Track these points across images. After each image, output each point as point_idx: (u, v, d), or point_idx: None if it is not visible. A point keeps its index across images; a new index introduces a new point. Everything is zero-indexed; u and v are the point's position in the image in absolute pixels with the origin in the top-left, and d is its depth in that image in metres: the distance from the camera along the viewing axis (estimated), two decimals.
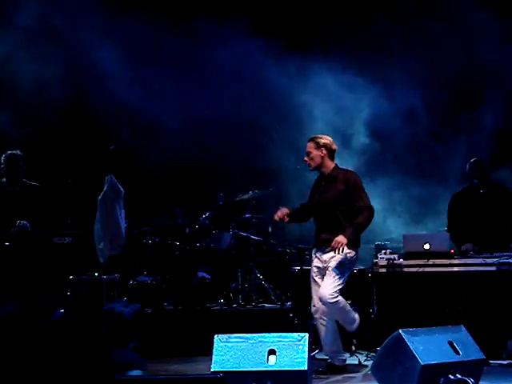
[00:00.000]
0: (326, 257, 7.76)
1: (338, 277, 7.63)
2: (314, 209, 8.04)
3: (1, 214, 8.90)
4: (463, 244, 9.02)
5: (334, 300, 7.56)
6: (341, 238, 7.56)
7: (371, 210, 7.79)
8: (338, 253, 7.54)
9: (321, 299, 7.64)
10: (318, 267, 7.85)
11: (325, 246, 7.77)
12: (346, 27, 10.77)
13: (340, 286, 7.64)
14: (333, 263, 7.66)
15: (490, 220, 9.11)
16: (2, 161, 9.08)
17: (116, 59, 10.45)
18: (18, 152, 9.13)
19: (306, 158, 7.97)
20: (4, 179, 9.12)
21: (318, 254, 7.86)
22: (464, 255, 8.78)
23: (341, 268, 7.65)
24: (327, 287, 7.63)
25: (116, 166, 10.34)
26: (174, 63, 10.90)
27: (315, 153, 7.91)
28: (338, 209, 7.80)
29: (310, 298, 7.93)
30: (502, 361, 8.15)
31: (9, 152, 9.12)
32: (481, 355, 6.65)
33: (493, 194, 9.17)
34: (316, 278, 7.83)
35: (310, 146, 7.95)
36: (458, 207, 9.32)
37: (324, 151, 7.90)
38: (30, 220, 8.81)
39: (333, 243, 7.57)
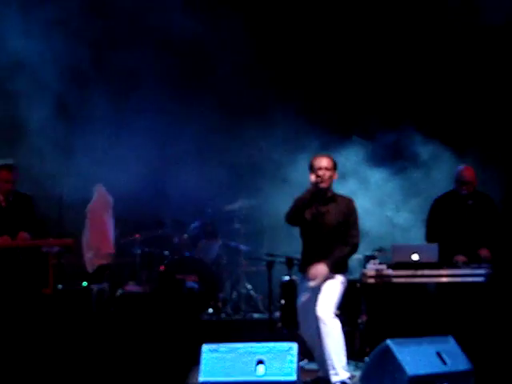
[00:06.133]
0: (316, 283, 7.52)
1: (333, 298, 7.46)
2: (308, 232, 7.69)
3: None
4: (452, 255, 8.97)
5: (334, 318, 7.37)
6: (322, 270, 7.40)
7: (357, 247, 7.63)
8: (315, 282, 7.42)
9: (319, 319, 7.36)
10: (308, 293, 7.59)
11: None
12: None
13: (336, 306, 7.47)
14: (326, 286, 7.54)
15: (476, 231, 9.06)
16: None
17: None
18: (11, 163, 9.09)
19: (322, 173, 7.51)
20: None
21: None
22: (452, 266, 8.78)
23: (335, 290, 7.52)
24: (324, 307, 7.38)
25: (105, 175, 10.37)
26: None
27: (332, 173, 7.59)
28: (336, 233, 7.56)
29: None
30: None
31: (1, 162, 9.10)
32: (469, 366, 6.67)
33: (479, 204, 9.09)
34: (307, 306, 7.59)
35: (329, 163, 7.58)
36: (440, 215, 9.15)
37: (336, 175, 7.68)
38: (22, 229, 8.77)
39: (313, 271, 7.41)
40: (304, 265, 7.75)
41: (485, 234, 9.03)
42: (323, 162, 7.60)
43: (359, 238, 7.65)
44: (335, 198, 7.68)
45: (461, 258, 8.84)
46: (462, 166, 9.15)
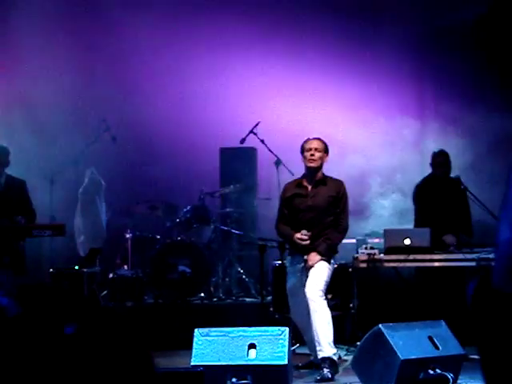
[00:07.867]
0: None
1: (322, 277, 7.52)
2: (297, 213, 7.72)
3: None
4: (441, 236, 8.93)
5: (321, 297, 7.43)
6: (314, 257, 7.48)
7: (346, 231, 7.73)
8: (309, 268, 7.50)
9: (309, 298, 7.41)
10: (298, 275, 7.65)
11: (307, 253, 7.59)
12: None
13: (325, 287, 7.50)
14: (315, 268, 7.54)
15: (462, 213, 9.08)
16: None
17: None
18: (4, 145, 9.01)
19: (313, 153, 7.62)
20: None
21: (299, 261, 7.67)
22: (444, 250, 8.76)
23: (323, 272, 7.55)
24: (314, 286, 7.43)
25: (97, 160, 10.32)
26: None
27: (322, 154, 7.67)
28: (326, 215, 7.63)
29: None
30: None
31: None
32: (460, 350, 6.68)
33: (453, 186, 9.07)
34: (296, 288, 7.63)
35: (320, 145, 7.67)
36: (427, 199, 9.14)
37: (327, 157, 7.75)
38: (14, 213, 8.70)
39: (308, 263, 7.49)
40: (293, 247, 7.76)
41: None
42: (313, 143, 7.69)
43: (348, 222, 7.73)
44: (325, 180, 7.71)
45: (450, 238, 8.82)
46: (437, 150, 9.20)
